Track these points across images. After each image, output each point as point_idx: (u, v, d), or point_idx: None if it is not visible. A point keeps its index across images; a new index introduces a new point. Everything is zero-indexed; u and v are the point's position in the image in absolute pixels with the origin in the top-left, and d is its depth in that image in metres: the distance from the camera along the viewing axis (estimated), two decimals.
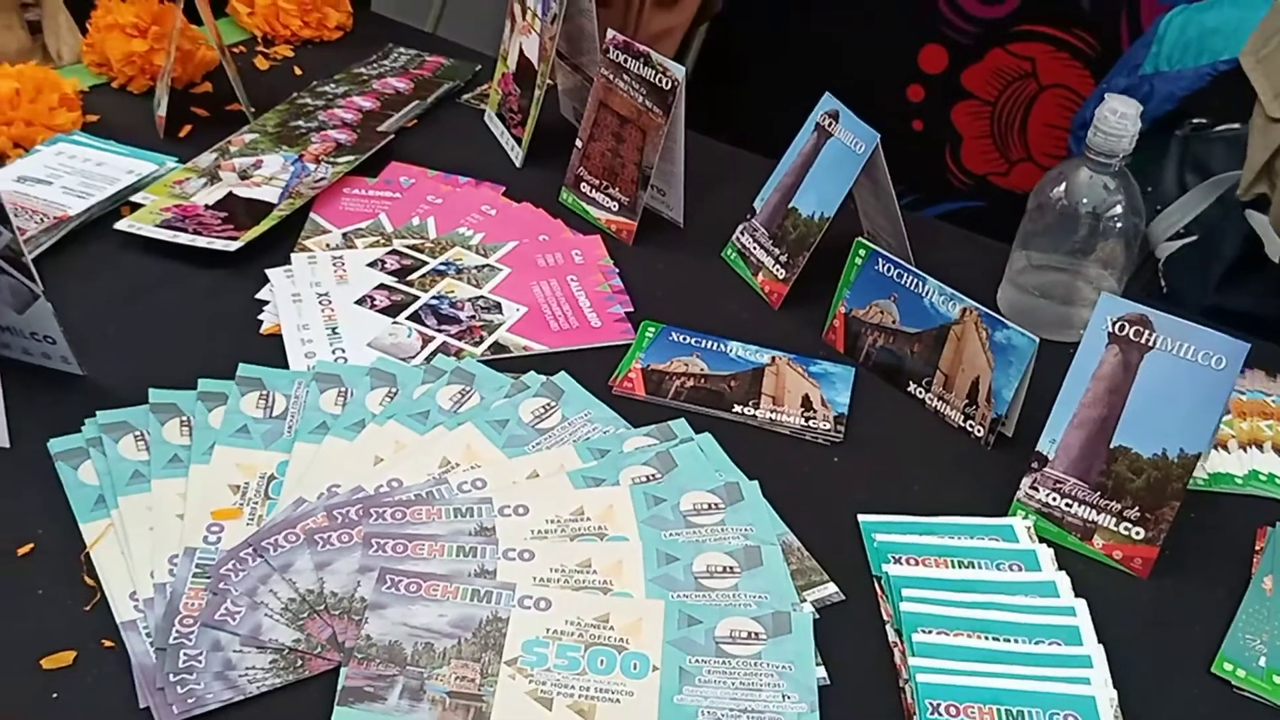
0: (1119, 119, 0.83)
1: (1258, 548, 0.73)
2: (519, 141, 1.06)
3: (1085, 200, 0.86)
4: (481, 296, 0.87)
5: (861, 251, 0.84)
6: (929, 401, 0.82)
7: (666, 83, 0.91)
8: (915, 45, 1.82)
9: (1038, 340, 0.75)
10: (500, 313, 0.86)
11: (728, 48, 1.95)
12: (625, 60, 0.94)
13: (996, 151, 1.84)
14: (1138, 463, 0.70)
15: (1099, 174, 0.86)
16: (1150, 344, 0.69)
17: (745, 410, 0.80)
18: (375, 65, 1.20)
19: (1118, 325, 0.70)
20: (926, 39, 1.81)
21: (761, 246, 0.93)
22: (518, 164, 1.06)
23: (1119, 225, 0.87)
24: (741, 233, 0.96)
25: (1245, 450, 0.81)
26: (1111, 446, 0.70)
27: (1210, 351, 0.68)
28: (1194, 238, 1.36)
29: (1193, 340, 0.68)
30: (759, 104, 2.01)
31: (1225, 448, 0.81)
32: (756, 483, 0.73)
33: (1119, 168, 0.85)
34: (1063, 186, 0.87)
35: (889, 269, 0.83)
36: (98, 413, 0.74)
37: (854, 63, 1.89)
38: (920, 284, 0.81)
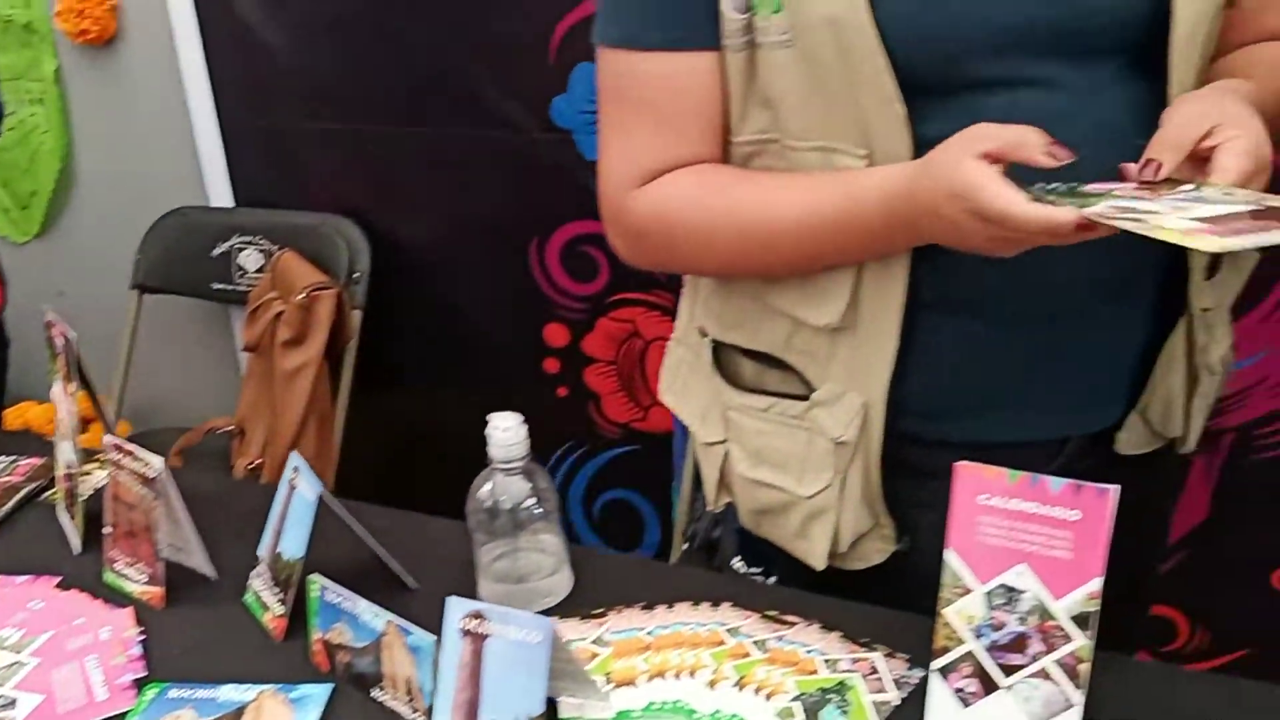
0: (504, 432, 1.02)
1: None
2: (76, 532, 1.20)
3: (505, 498, 1.04)
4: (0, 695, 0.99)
5: (314, 586, 1.00)
6: (386, 701, 0.96)
7: (151, 472, 1.07)
8: (539, 326, 2.05)
9: (434, 638, 0.91)
10: (14, 708, 0.98)
11: (380, 363, 2.15)
12: (120, 458, 1.10)
13: (631, 401, 2.06)
14: None
15: (510, 475, 1.04)
16: (487, 632, 0.85)
17: None
18: None
19: (464, 621, 0.86)
20: (547, 319, 2.04)
21: (266, 587, 1.08)
22: (75, 552, 1.20)
23: (538, 511, 1.05)
24: (254, 577, 1.11)
25: (650, 681, 0.96)
26: None
27: (528, 630, 0.84)
28: None
29: (514, 623, 0.84)
30: (424, 404, 2.22)
31: (634, 684, 0.96)
32: None
33: (524, 467, 1.04)
34: (487, 488, 1.05)
35: (334, 598, 0.98)
36: None
37: (497, 350, 2.12)
38: (354, 605, 0.97)
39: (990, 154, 0.82)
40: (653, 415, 2.05)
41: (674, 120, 1.00)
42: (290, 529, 1.06)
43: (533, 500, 1.04)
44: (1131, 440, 1.05)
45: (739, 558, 1.52)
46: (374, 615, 0.95)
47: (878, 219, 0.90)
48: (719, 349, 1.11)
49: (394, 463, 2.26)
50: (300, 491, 1.06)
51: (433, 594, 1.08)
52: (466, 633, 0.86)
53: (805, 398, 1.04)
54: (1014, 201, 0.79)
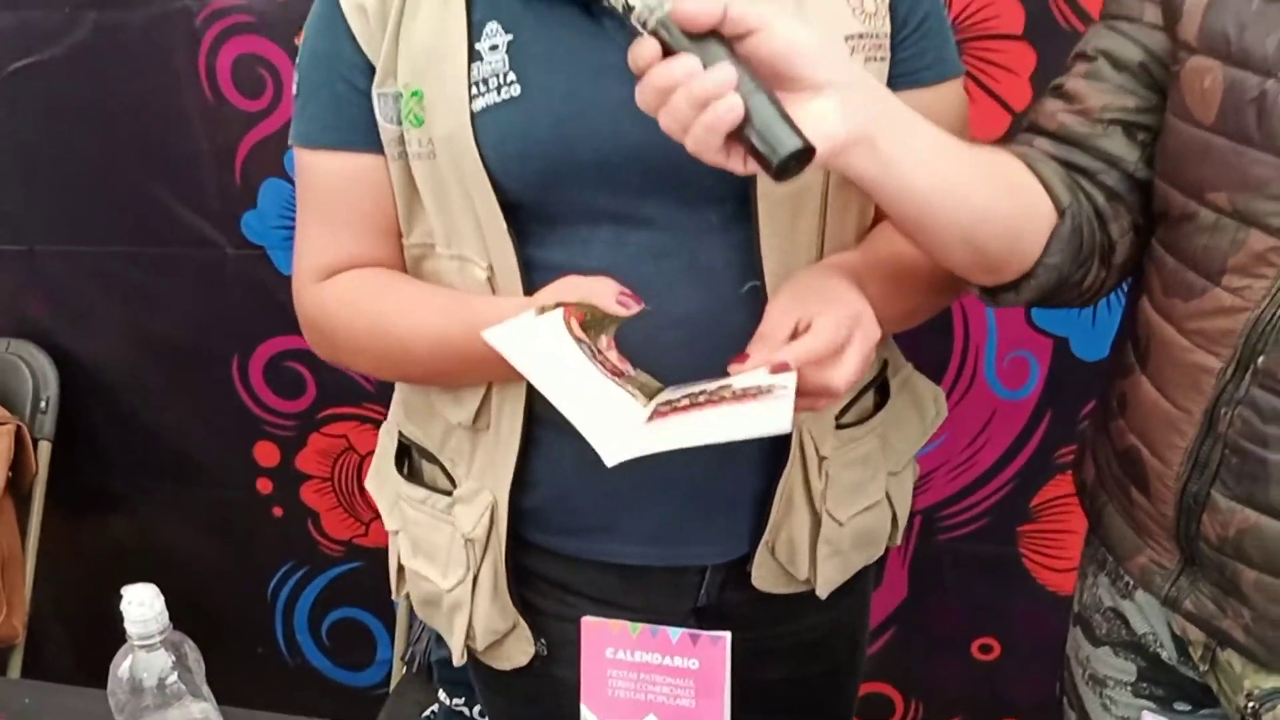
0: (139, 607, 0.96)
1: None
2: None
3: (146, 675, 0.98)
4: None
5: None
6: None
7: None
8: (248, 445, 1.97)
9: None
10: None
11: (85, 494, 2.02)
12: None
13: (351, 517, 2.00)
14: None
15: (151, 652, 0.98)
16: None
17: None
18: None
19: None
20: (256, 438, 1.96)
21: None
22: None
23: (183, 686, 0.99)
24: None
25: None
26: None
27: None
28: None
29: None
30: (136, 532, 2.09)
31: None
32: None
33: (165, 639, 0.98)
34: (125, 666, 0.98)
35: None
36: None
37: (207, 472, 2.02)
38: None
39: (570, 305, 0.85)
40: (374, 530, 1.99)
41: (345, 218, 1.02)
42: None
43: (176, 674, 0.98)
44: (765, 577, 1.07)
45: (442, 689, 1.50)
46: None
47: (493, 354, 0.92)
48: (404, 441, 1.13)
49: (108, 598, 2.11)
50: None
51: None
52: None
53: (451, 493, 1.07)
54: None
